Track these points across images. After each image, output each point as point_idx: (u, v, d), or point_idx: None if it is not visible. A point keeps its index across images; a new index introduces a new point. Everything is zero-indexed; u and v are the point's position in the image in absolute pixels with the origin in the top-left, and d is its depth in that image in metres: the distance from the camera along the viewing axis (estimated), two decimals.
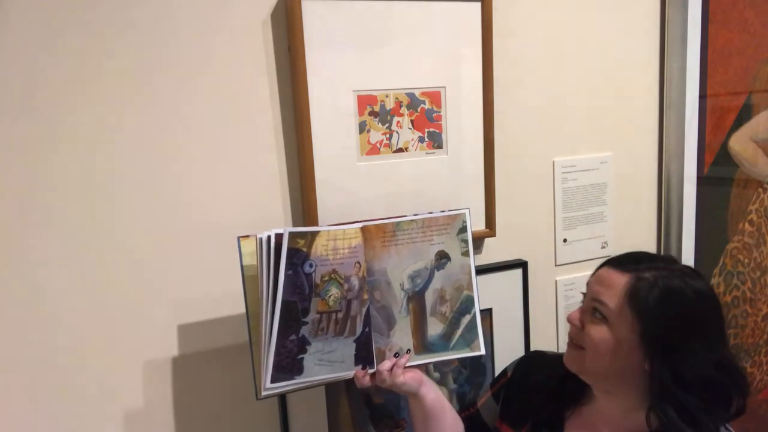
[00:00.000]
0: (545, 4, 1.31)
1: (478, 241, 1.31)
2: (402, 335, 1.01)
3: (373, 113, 1.15)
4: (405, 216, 1.02)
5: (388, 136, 1.17)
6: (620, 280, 0.92)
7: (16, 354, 1.00)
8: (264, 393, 0.92)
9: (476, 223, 1.23)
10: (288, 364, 0.93)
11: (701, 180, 1.51)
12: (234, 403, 1.15)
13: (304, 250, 0.92)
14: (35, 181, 0.98)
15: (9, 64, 0.94)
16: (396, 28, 1.14)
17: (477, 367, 1.33)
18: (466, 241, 1.05)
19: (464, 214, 1.04)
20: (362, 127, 1.14)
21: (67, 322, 1.02)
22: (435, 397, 1.05)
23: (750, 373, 1.72)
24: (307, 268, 0.92)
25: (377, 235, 0.99)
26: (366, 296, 0.98)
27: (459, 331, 1.05)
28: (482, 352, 1.06)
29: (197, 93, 1.05)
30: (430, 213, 1.03)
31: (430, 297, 1.03)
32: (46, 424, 1.03)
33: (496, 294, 1.33)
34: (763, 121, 1.59)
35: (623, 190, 1.47)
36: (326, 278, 0.94)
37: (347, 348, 0.97)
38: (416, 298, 1.02)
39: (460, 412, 1.17)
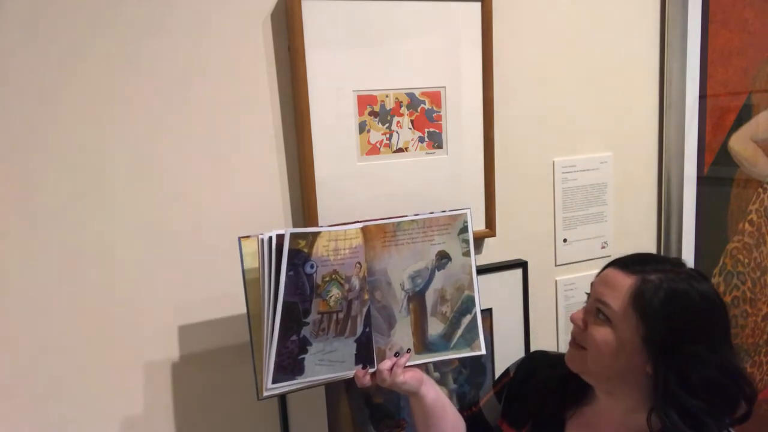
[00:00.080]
0: (545, 4, 1.31)
1: (478, 241, 1.31)
2: (402, 335, 1.01)
3: (373, 113, 1.15)
4: (406, 216, 1.02)
5: (388, 136, 1.17)
6: (625, 281, 0.92)
7: (16, 355, 1.00)
8: (265, 393, 0.92)
9: (476, 223, 1.22)
10: (289, 365, 0.93)
11: (701, 180, 1.51)
12: (234, 403, 1.15)
13: (305, 250, 0.92)
14: (34, 181, 0.97)
15: (5, 64, 0.94)
16: (396, 28, 1.13)
17: (477, 367, 1.33)
18: (467, 241, 1.05)
19: (465, 214, 1.04)
20: (362, 127, 1.14)
21: (68, 323, 1.02)
22: (435, 396, 1.05)
23: (750, 373, 1.72)
24: (308, 269, 0.92)
25: (378, 235, 0.98)
26: (367, 296, 0.98)
27: (460, 331, 1.05)
28: (483, 352, 1.06)
29: (197, 93, 1.05)
30: (431, 213, 1.03)
31: (430, 297, 1.03)
32: (47, 426, 1.03)
33: (496, 294, 1.33)
34: (763, 121, 1.59)
35: (623, 190, 1.47)
36: (327, 279, 0.94)
37: (348, 348, 0.96)
38: (417, 298, 1.02)
39: (462, 411, 1.17)
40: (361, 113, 1.14)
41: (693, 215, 1.51)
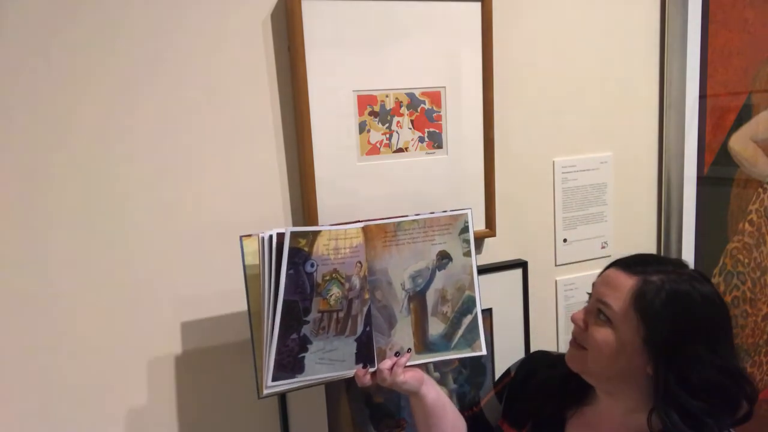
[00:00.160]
0: (545, 4, 1.31)
1: (478, 241, 1.31)
2: (403, 335, 1.01)
3: (373, 113, 1.15)
4: (407, 216, 1.02)
5: (388, 136, 1.17)
6: (627, 282, 0.92)
7: (20, 350, 1.00)
8: (265, 391, 0.92)
9: (476, 223, 1.22)
10: (289, 363, 0.93)
11: (701, 180, 1.51)
12: (235, 402, 1.15)
13: (306, 249, 0.92)
14: (41, 179, 0.98)
15: (15, 63, 0.94)
16: (396, 28, 1.14)
17: (477, 367, 1.33)
18: (467, 242, 1.05)
19: (466, 214, 1.05)
20: (362, 127, 1.14)
21: (73, 319, 1.02)
22: (436, 396, 1.05)
23: (750, 373, 1.72)
24: (308, 268, 0.92)
25: (378, 234, 0.98)
26: (367, 296, 0.98)
27: (460, 331, 1.05)
28: (484, 352, 1.06)
29: (197, 93, 1.05)
30: (432, 213, 1.03)
31: (431, 297, 1.03)
32: (51, 420, 1.03)
33: (496, 294, 1.33)
34: (763, 121, 1.60)
35: (623, 190, 1.47)
36: (327, 278, 0.94)
37: (348, 347, 0.96)
38: (417, 297, 1.02)
39: (462, 411, 1.17)
40: (361, 113, 1.14)
41: (693, 215, 1.51)
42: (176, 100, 1.04)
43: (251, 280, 0.93)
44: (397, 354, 1.00)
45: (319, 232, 0.93)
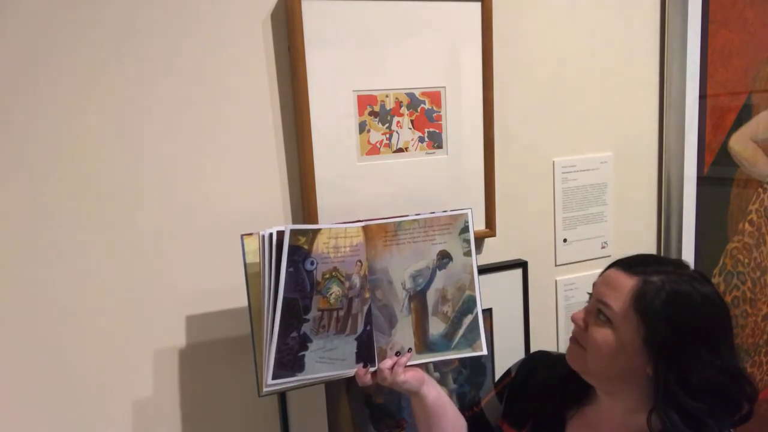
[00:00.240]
0: (545, 4, 1.31)
1: (478, 240, 1.31)
2: (403, 334, 1.01)
3: (373, 113, 1.15)
4: (407, 215, 1.02)
5: (388, 136, 1.17)
6: (627, 283, 0.92)
7: (25, 345, 1.00)
8: (265, 390, 0.92)
9: (476, 223, 1.22)
10: (289, 361, 0.93)
11: (701, 180, 1.51)
12: (235, 401, 1.15)
13: (306, 247, 0.92)
14: (47, 178, 0.98)
15: (20, 65, 0.95)
16: (396, 28, 1.14)
17: (477, 367, 1.33)
18: (468, 241, 1.05)
19: (466, 214, 1.05)
20: (362, 127, 1.14)
21: (78, 313, 1.03)
22: (437, 395, 1.05)
23: (750, 373, 1.72)
24: (308, 266, 0.92)
25: (379, 234, 0.99)
26: (367, 295, 0.98)
27: (461, 331, 1.05)
28: (484, 352, 1.06)
29: (198, 93, 1.05)
30: (433, 213, 1.03)
31: (431, 296, 1.03)
32: (55, 414, 1.04)
33: (496, 294, 1.32)
34: (763, 121, 1.60)
35: (623, 190, 1.47)
36: (327, 276, 0.94)
37: (348, 346, 0.96)
38: (418, 297, 1.02)
39: (463, 411, 1.17)
40: (361, 113, 1.14)
41: (693, 215, 1.51)
42: (177, 100, 1.04)
43: (252, 278, 0.94)
44: (397, 353, 1.00)
45: (319, 230, 0.93)
